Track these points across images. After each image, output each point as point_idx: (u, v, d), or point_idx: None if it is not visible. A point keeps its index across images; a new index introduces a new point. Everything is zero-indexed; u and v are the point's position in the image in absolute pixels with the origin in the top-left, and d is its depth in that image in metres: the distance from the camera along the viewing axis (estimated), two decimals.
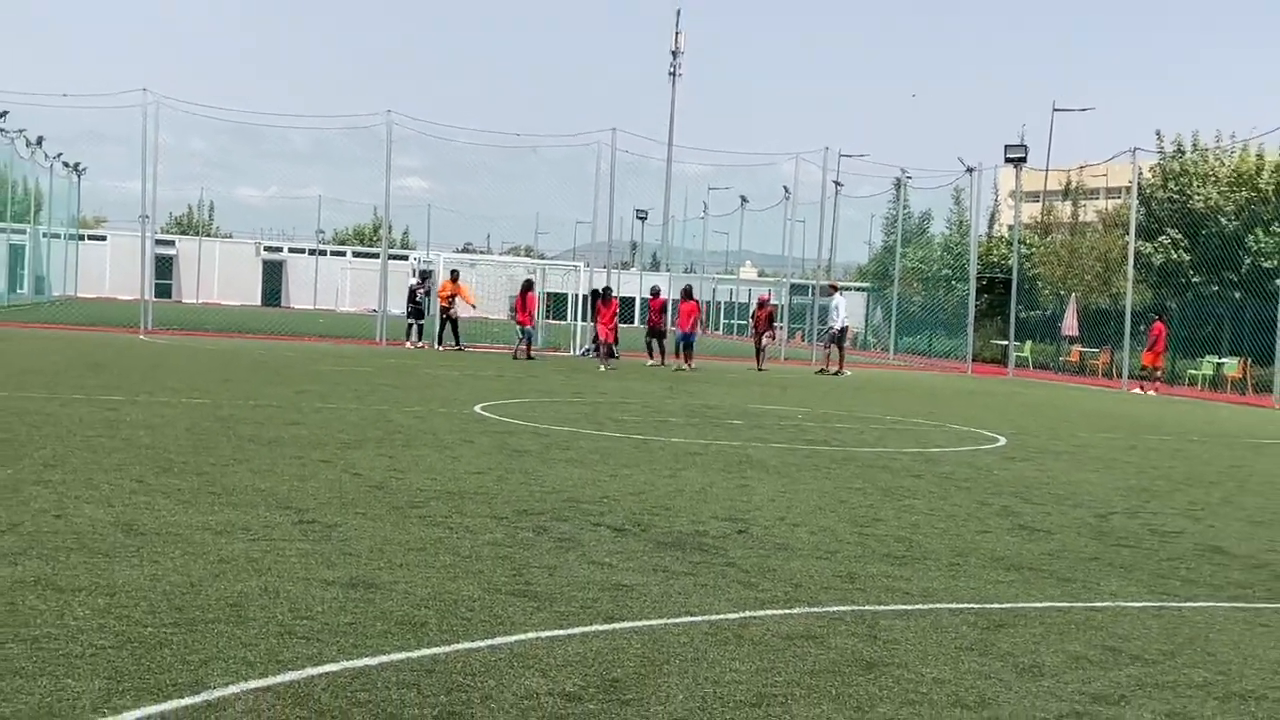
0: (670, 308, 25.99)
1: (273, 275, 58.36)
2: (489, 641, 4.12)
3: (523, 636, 4.21)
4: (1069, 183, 43.21)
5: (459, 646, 4.04)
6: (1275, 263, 24.59)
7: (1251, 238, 28.38)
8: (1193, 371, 27.30)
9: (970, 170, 31.75)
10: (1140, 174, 28.78)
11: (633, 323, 42.34)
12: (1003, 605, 5.15)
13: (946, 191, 39.95)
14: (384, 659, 3.85)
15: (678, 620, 4.56)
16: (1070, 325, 31.35)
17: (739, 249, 56.02)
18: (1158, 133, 31.85)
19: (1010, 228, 37.43)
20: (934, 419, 14.76)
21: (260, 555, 5.22)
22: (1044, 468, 10.20)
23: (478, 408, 12.69)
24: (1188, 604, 5.38)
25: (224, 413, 10.72)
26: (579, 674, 3.82)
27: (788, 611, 4.81)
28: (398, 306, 28.99)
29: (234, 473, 7.39)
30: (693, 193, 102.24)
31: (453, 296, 25.23)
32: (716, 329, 51.89)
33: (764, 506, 7.29)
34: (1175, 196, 30.57)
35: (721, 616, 4.66)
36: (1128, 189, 30.26)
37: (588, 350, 22.97)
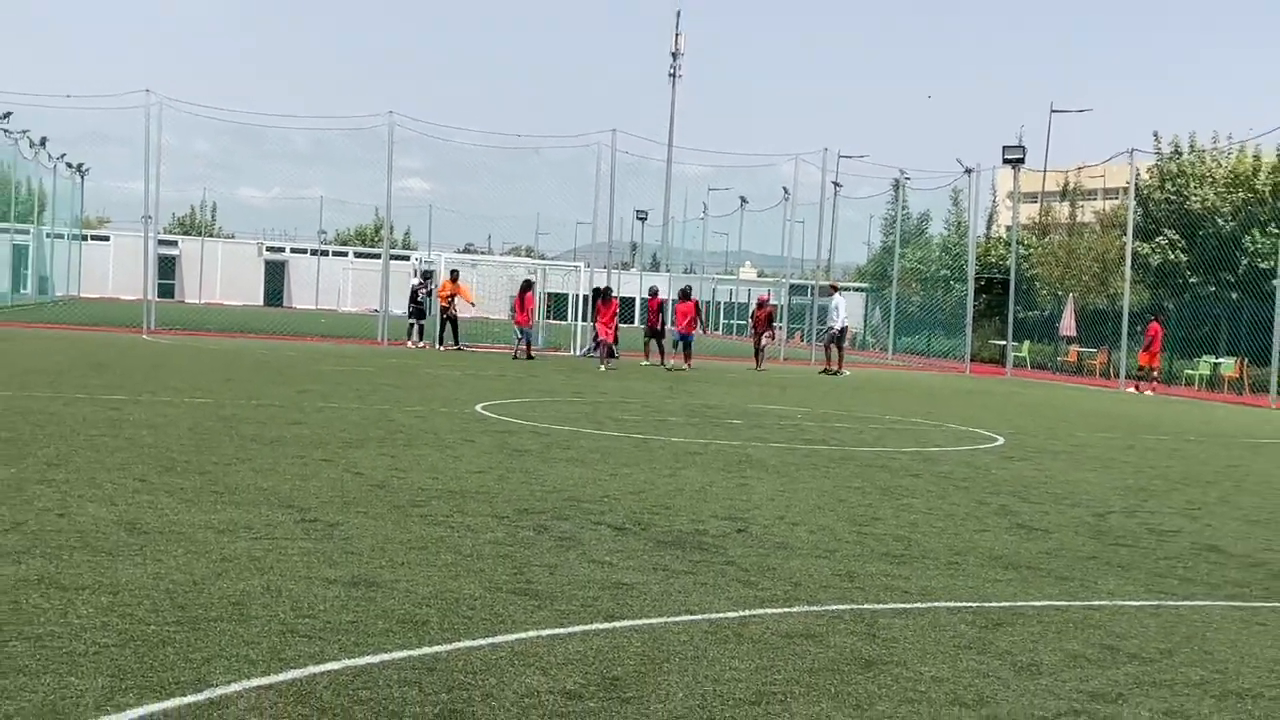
0: (669, 308, 26.02)
1: (275, 275, 58.48)
2: (490, 640, 4.13)
3: (523, 635, 4.22)
4: (1067, 184, 43.22)
5: (460, 645, 4.06)
6: (1272, 263, 24.58)
7: (1248, 238, 28.42)
8: (1190, 371, 27.34)
9: (969, 171, 31.79)
10: (1138, 175, 28.82)
11: (632, 323, 42.36)
12: (1001, 604, 5.17)
13: (945, 192, 39.99)
14: (386, 657, 3.87)
15: (678, 618, 4.58)
16: (1068, 325, 31.40)
17: (738, 249, 56.10)
18: (1155, 134, 31.97)
19: (1008, 228, 37.46)
20: (932, 419, 14.79)
21: (262, 554, 5.23)
22: (1042, 467, 10.23)
23: (479, 407, 12.71)
24: (1185, 603, 5.40)
25: (226, 412, 10.74)
26: (579, 672, 3.84)
27: (787, 610, 4.82)
28: (399, 307, 29.04)
29: (236, 472, 7.41)
30: (692, 193, 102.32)
31: (452, 296, 25.28)
32: (716, 329, 51.93)
33: (763, 505, 7.31)
34: (1172, 197, 30.61)
35: (721, 615, 4.68)
36: (1125, 190, 30.30)
37: (590, 351, 23.02)
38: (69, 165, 42.40)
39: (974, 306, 31.67)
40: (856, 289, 43.88)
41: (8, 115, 30.54)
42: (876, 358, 34.86)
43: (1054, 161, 46.48)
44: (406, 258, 43.04)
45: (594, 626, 4.39)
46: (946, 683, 3.97)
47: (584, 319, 26.61)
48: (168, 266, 53.08)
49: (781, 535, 6.38)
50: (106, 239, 55.39)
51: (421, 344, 25.51)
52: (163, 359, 17.76)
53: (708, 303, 49.75)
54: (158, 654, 3.77)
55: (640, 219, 60.25)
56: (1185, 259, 29.84)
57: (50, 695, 3.37)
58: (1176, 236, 30.11)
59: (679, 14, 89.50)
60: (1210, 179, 30.50)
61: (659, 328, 23.80)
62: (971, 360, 31.00)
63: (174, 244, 56.46)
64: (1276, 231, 27.19)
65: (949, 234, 42.27)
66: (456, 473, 7.91)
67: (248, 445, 8.62)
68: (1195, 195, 30.01)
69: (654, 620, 4.54)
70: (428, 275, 28.17)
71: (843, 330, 25.14)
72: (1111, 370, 28.54)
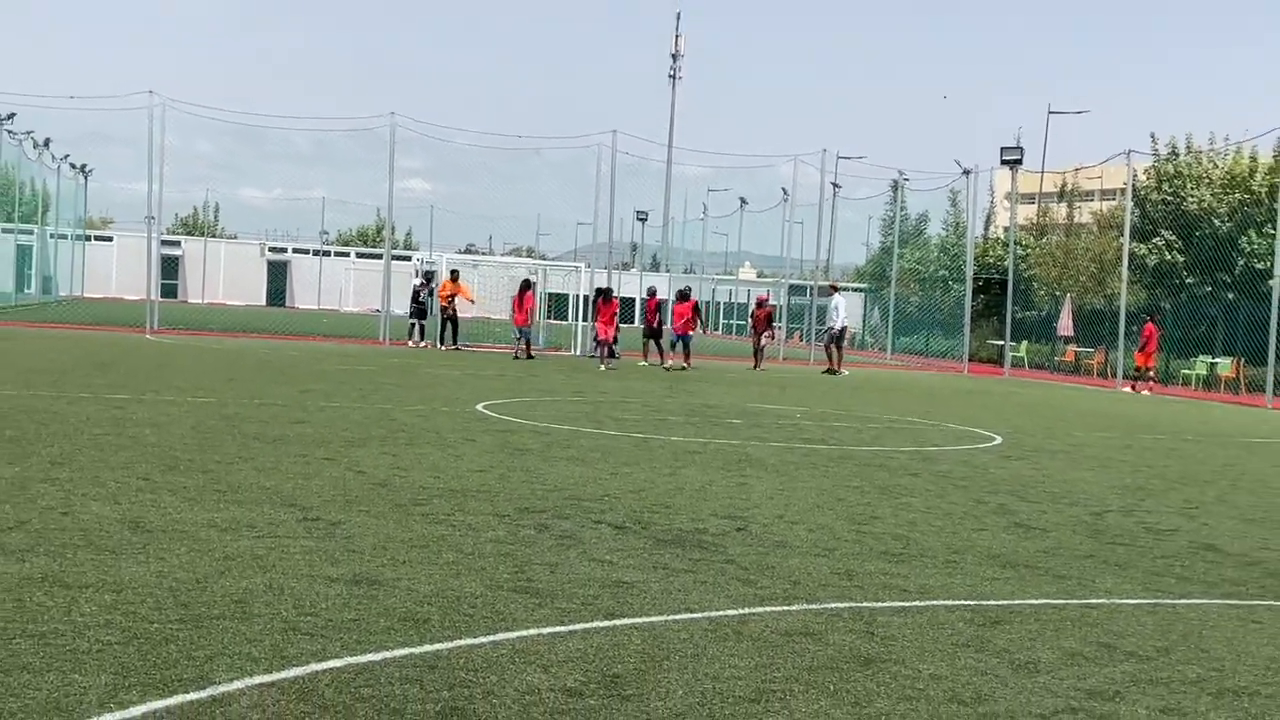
0: (667, 308, 26.05)
1: (277, 276, 58.60)
2: (491, 638, 4.15)
3: (524, 633, 4.24)
4: (1064, 185, 43.28)
5: (461, 643, 4.07)
6: (1268, 264, 24.65)
7: (1245, 239, 28.47)
8: (1187, 371, 27.39)
9: (967, 172, 31.84)
10: (1135, 176, 28.88)
11: (633, 323, 42.41)
12: (999, 602, 5.19)
13: (943, 193, 40.03)
14: (387, 655, 3.88)
15: (678, 617, 4.60)
16: (1065, 325, 31.46)
17: (738, 250, 56.16)
18: (1152, 135, 32.00)
19: (1006, 229, 37.50)
20: (931, 418, 14.81)
21: (265, 552, 5.25)
22: (1040, 466, 10.25)
23: (480, 406, 12.73)
24: (1182, 601, 5.42)
25: (229, 411, 10.76)
26: (580, 670, 3.85)
27: (786, 608, 4.84)
28: (401, 307, 29.12)
29: (239, 471, 7.43)
30: (692, 194, 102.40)
31: (452, 296, 25.35)
32: (716, 329, 51.96)
33: (762, 504, 7.33)
34: (1169, 198, 30.66)
35: (721, 613, 4.69)
36: (1122, 191, 30.34)
37: (593, 351, 23.07)
38: (72, 166, 42.49)
39: (972, 307, 31.72)
40: (855, 289, 43.93)
41: (12, 116, 30.60)
42: (875, 357, 34.88)
43: (1052, 163, 46.63)
44: (408, 258, 43.07)
45: (594, 624, 4.41)
46: (945, 680, 3.99)
47: (584, 319, 26.65)
48: (171, 267, 53.19)
49: (781, 534, 6.40)
50: (110, 239, 55.53)
51: (423, 344, 25.60)
52: (166, 358, 17.77)
53: (707, 303, 49.79)
54: (161, 651, 3.79)
55: (640, 220, 60.30)
56: (1182, 259, 29.89)
57: (54, 692, 3.38)
58: (1173, 237, 30.16)
59: (679, 16, 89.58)
60: (1207, 180, 30.55)
61: (656, 328, 23.85)
62: (969, 360, 31.05)
63: (177, 244, 56.59)
64: (1273, 232, 27.23)
65: (947, 235, 42.31)
66: (458, 471, 7.93)
67: (250, 444, 8.64)
68: (1192, 196, 30.06)
69: (654, 618, 4.56)
70: (429, 276, 28.22)
71: (842, 330, 25.18)
72: (1109, 370, 28.58)
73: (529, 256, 59.23)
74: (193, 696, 3.40)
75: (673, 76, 73.08)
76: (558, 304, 32.19)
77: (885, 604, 5.03)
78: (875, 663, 4.14)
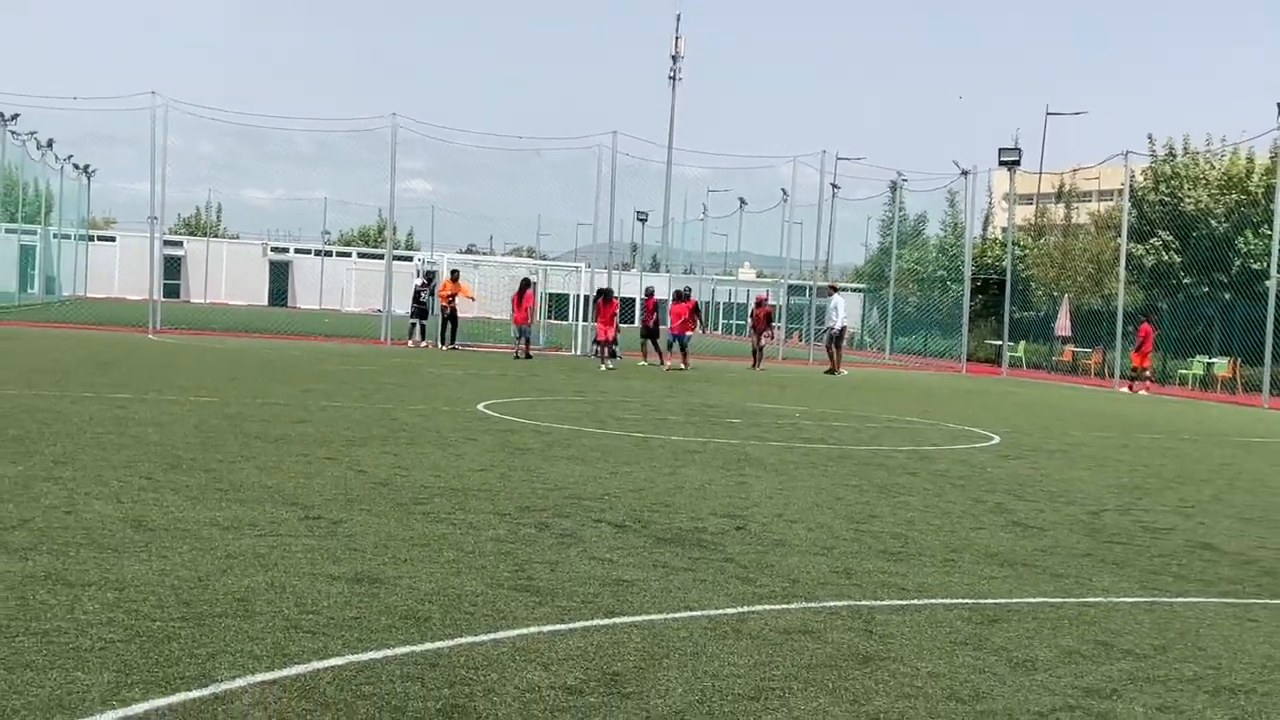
0: (665, 308, 26.09)
1: (279, 276, 58.66)
2: (492, 636, 4.16)
3: (525, 631, 4.25)
4: (1062, 185, 43.32)
5: (462, 641, 4.08)
6: (1264, 264, 24.70)
7: (1241, 240, 28.51)
8: (1183, 371, 27.43)
9: (965, 173, 31.88)
10: (1132, 177, 28.92)
11: (633, 323, 42.50)
12: (996, 600, 5.21)
13: (942, 194, 40.13)
14: (388, 653, 3.89)
15: (677, 615, 4.62)
16: (1063, 326, 31.51)
17: (738, 250, 56.19)
18: (1150, 136, 32.04)
19: (1004, 229, 37.53)
20: (929, 418, 14.84)
21: (267, 551, 5.27)
22: (1037, 466, 10.28)
23: (481, 406, 12.75)
24: (1179, 600, 5.45)
25: (231, 411, 10.78)
26: (580, 668, 3.87)
27: (785, 606, 4.86)
28: (402, 307, 29.19)
29: (241, 470, 7.45)
30: (692, 195, 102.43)
31: (453, 296, 25.41)
32: (715, 329, 51.98)
33: (762, 503, 7.35)
34: (1167, 199, 30.70)
35: (720, 611, 4.71)
36: (1120, 191, 30.38)
37: (596, 352, 23.12)
38: (75, 166, 42.53)
39: (970, 307, 31.77)
40: (854, 290, 43.98)
41: (15, 117, 30.63)
42: (874, 357, 34.91)
43: (1049, 163, 46.68)
44: (409, 258, 43.19)
45: (594, 623, 4.42)
46: (943, 678, 4.01)
47: (584, 319, 26.70)
48: (173, 267, 53.25)
49: (780, 533, 6.42)
50: (113, 239, 55.62)
51: (424, 343, 25.67)
52: (168, 358, 17.79)
53: (707, 303, 49.82)
54: (163, 649, 3.80)
55: (640, 220, 60.31)
56: (1179, 260, 29.94)
57: (57, 690, 3.39)
58: (1170, 238, 30.20)
59: (679, 18, 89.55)
60: (1204, 181, 30.60)
61: (653, 327, 23.89)
62: (968, 360, 31.09)
63: (179, 244, 56.66)
64: (1269, 233, 27.28)
65: (945, 235, 42.36)
66: (459, 470, 7.95)
67: (252, 443, 8.66)
68: (1189, 197, 30.11)
69: (654, 616, 4.58)
70: (430, 276, 28.29)
71: (841, 330, 25.22)
72: (1106, 370, 28.62)
73: (530, 257, 59.30)
74: (195, 694, 3.42)
75: (673, 78, 73.16)
76: (558, 304, 32.24)
77: (883, 602, 5.05)
78: (874, 661, 4.16)
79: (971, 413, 16.22)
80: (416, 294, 26.49)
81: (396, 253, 34.45)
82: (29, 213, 38.84)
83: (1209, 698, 3.99)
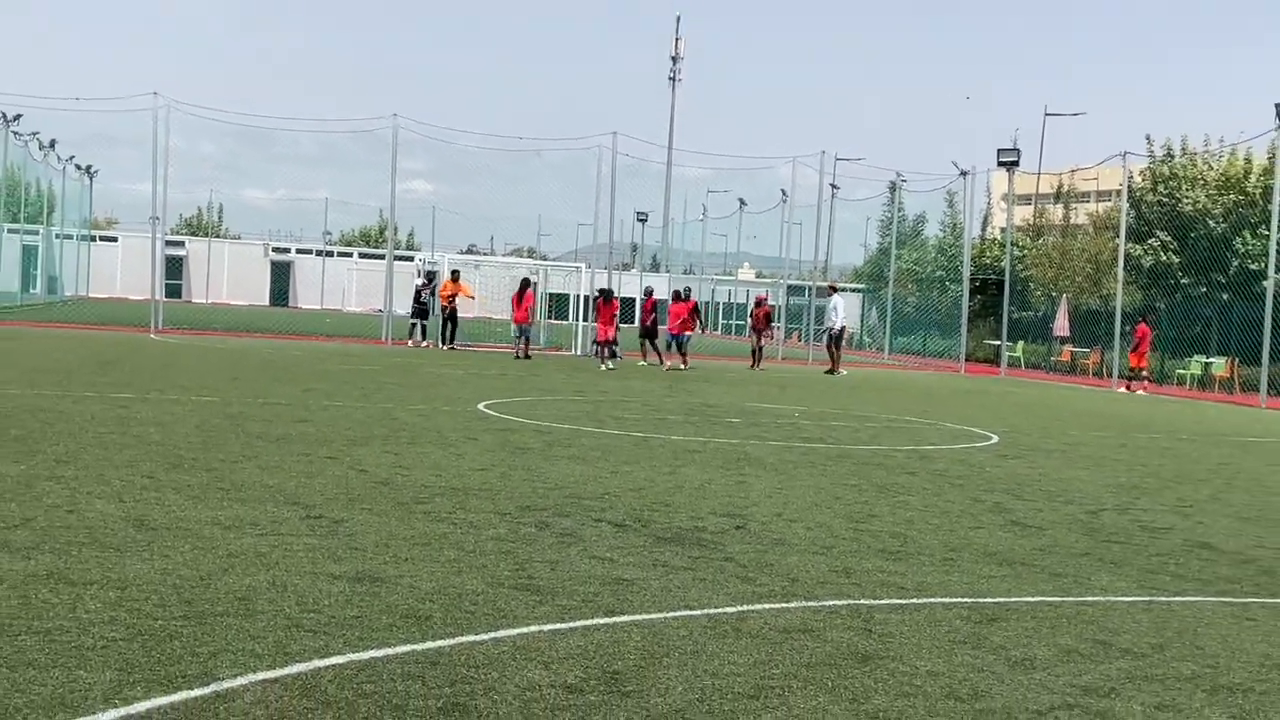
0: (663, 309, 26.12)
1: (280, 276, 58.76)
2: (492, 634, 4.18)
3: (525, 630, 4.27)
4: (1060, 186, 43.37)
5: (463, 639, 4.10)
6: (1262, 265, 24.73)
7: (1239, 240, 28.56)
8: (1181, 371, 27.46)
9: (964, 174, 31.92)
10: (1130, 177, 28.95)
11: (633, 323, 42.57)
12: (995, 599, 5.23)
13: (940, 194, 40.15)
14: (389, 651, 3.90)
15: (677, 614, 4.63)
16: (1061, 326, 31.55)
17: (737, 250, 56.28)
18: (1148, 137, 32.06)
19: (1003, 230, 37.56)
20: (928, 417, 14.86)
21: (268, 550, 5.28)
22: (1035, 465, 10.30)
23: (481, 406, 12.77)
24: (1177, 599, 5.46)
25: (233, 410, 10.79)
26: (580, 666, 3.88)
27: (785, 605, 4.88)
28: (403, 307, 29.26)
29: (243, 469, 7.46)
30: (692, 195, 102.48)
31: (453, 296, 25.49)
32: (715, 329, 52.02)
33: (761, 502, 7.37)
34: (1165, 200, 30.74)
35: (720, 610, 4.73)
36: (1118, 192, 30.42)
37: (598, 352, 23.17)
38: (78, 167, 42.62)
39: (969, 307, 31.80)
40: (854, 290, 44.02)
41: (18, 118, 30.69)
42: (873, 357, 34.94)
43: (1048, 164, 46.72)
44: (410, 258, 43.22)
45: (595, 621, 4.44)
46: (941, 677, 4.02)
47: (584, 319, 26.74)
48: (175, 267, 53.34)
49: (779, 532, 6.44)
50: (115, 240, 55.74)
51: (425, 343, 25.76)
52: (170, 358, 17.81)
53: (706, 303, 49.85)
54: (165, 648, 3.81)
55: (640, 220, 60.36)
56: (1177, 260, 29.99)
57: (59, 688, 3.40)
58: (1168, 238, 30.24)
59: (679, 19, 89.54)
60: (1202, 181, 30.64)
61: (651, 327, 23.93)
62: (966, 360, 31.12)
63: (181, 245, 56.79)
64: (1267, 233, 27.34)
65: (944, 235, 42.40)
66: (459, 470, 7.97)
67: (254, 443, 8.67)
68: (1187, 197, 30.15)
69: (654, 615, 4.59)
70: (431, 276, 28.36)
71: (841, 330, 25.26)
72: (1104, 370, 28.66)
73: (530, 257, 59.39)
74: (196, 693, 3.43)
75: (673, 79, 73.19)
76: (558, 304, 32.29)
77: (883, 601, 5.06)
78: (873, 659, 4.17)
79: (970, 412, 16.25)
80: (417, 294, 26.59)
81: (397, 253, 34.50)
82: (31, 213, 38.93)
83: (1207, 696, 4.01)
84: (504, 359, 22.88)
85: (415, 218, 70.67)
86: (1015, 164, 32.60)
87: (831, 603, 4.98)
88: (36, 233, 39.92)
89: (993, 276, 34.79)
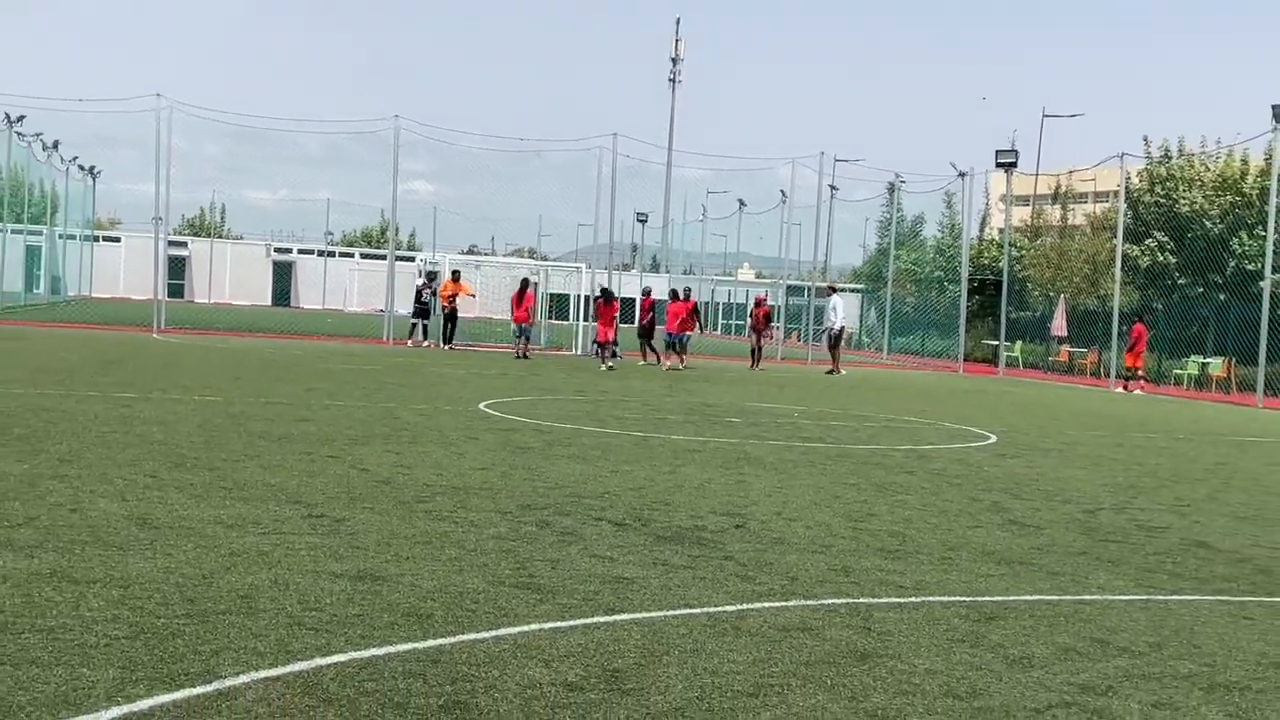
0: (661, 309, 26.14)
1: (283, 276, 58.82)
2: (493, 633, 4.19)
3: (526, 628, 4.28)
4: (1058, 187, 43.42)
5: (464, 638, 4.11)
6: (1259, 265, 24.79)
7: (1236, 241, 28.61)
8: (1178, 371, 27.50)
9: (962, 175, 31.97)
10: (1128, 178, 28.99)
11: (633, 323, 42.61)
12: (993, 598, 5.25)
13: (939, 195, 40.17)
14: (391, 649, 3.92)
15: (677, 612, 4.65)
16: (1059, 326, 31.58)
17: (737, 251, 56.32)
18: (1145, 138, 32.21)
19: (1001, 231, 37.60)
20: (926, 417, 14.88)
21: (270, 548, 5.30)
22: (1033, 465, 10.32)
23: (482, 405, 12.79)
24: (1174, 597, 5.48)
25: (235, 410, 10.81)
26: (581, 664, 3.90)
27: (784, 604, 4.90)
28: (404, 307, 29.29)
29: (245, 468, 7.48)
30: (692, 196, 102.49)
31: (454, 296, 25.54)
32: (715, 329, 52.05)
33: (761, 502, 7.39)
34: (1162, 200, 30.79)
35: (719, 609, 4.74)
36: (1116, 193, 30.46)
37: (599, 353, 23.20)
38: (81, 168, 42.69)
39: (967, 307, 31.84)
40: (853, 290, 44.05)
41: (21, 119, 30.77)
42: (872, 357, 34.97)
43: (1046, 165, 46.68)
44: (411, 259, 43.26)
45: (595, 620, 4.45)
46: (940, 675, 4.04)
47: (585, 319, 26.77)
48: (177, 267, 53.35)
49: (778, 531, 6.46)
50: (117, 240, 55.81)
51: (426, 343, 25.84)
52: (172, 357, 17.82)
53: (706, 303, 49.87)
54: (167, 646, 3.83)
55: (640, 221, 60.42)
56: (1174, 261, 30.03)
57: (62, 686, 3.42)
58: (1166, 239, 30.29)
59: (679, 20, 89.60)
60: (1199, 182, 30.68)
61: (648, 326, 23.96)
62: (965, 360, 31.17)
63: (184, 245, 56.85)
64: (1263, 234, 27.40)
65: (943, 236, 42.43)
66: (460, 469, 7.99)
67: (256, 442, 8.69)
68: (1184, 198, 30.19)
69: (654, 614, 4.61)
70: (432, 276, 28.40)
71: (840, 330, 25.29)
72: (1102, 370, 28.70)
73: (531, 257, 59.43)
74: (199, 690, 3.45)
75: (673, 80, 73.27)
76: (559, 304, 32.31)
77: (881, 600, 5.08)
78: (871, 658, 4.19)
79: (968, 412, 16.27)
80: (418, 294, 26.64)
81: (399, 253, 34.47)
82: (35, 213, 39.01)
83: (1204, 694, 4.03)
84: (504, 359, 22.90)
85: (417, 218, 70.85)
86: (1013, 165, 32.63)
87: (830, 601, 5.00)
88: (40, 233, 40.00)
89: (991, 277, 34.83)
